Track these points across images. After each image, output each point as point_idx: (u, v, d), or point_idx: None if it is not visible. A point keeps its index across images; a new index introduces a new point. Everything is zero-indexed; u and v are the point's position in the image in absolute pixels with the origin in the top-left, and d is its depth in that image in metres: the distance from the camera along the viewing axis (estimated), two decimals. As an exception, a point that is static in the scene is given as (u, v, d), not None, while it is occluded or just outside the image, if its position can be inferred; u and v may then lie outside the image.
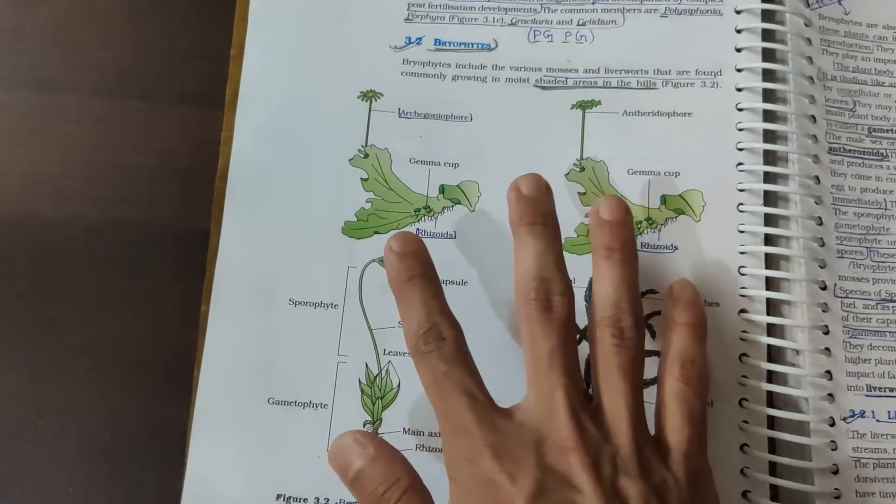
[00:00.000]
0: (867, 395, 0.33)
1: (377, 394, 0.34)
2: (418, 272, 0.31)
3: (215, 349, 0.35)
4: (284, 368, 0.35)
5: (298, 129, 0.37)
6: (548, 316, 0.30)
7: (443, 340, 0.30)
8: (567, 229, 0.36)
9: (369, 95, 0.38)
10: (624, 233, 0.32)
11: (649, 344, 0.34)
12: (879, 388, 0.33)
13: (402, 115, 0.38)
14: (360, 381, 0.34)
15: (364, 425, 0.34)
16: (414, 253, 0.32)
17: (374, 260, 0.36)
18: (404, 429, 0.34)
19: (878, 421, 0.33)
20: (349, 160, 0.37)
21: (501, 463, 0.27)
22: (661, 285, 0.35)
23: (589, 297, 0.35)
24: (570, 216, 0.36)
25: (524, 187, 0.32)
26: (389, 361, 0.35)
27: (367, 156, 0.37)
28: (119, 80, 0.38)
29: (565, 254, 0.35)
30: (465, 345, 0.31)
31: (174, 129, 0.38)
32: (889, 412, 0.33)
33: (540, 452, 0.27)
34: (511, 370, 0.34)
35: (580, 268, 0.35)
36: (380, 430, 0.34)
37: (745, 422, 0.33)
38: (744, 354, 0.34)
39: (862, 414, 0.33)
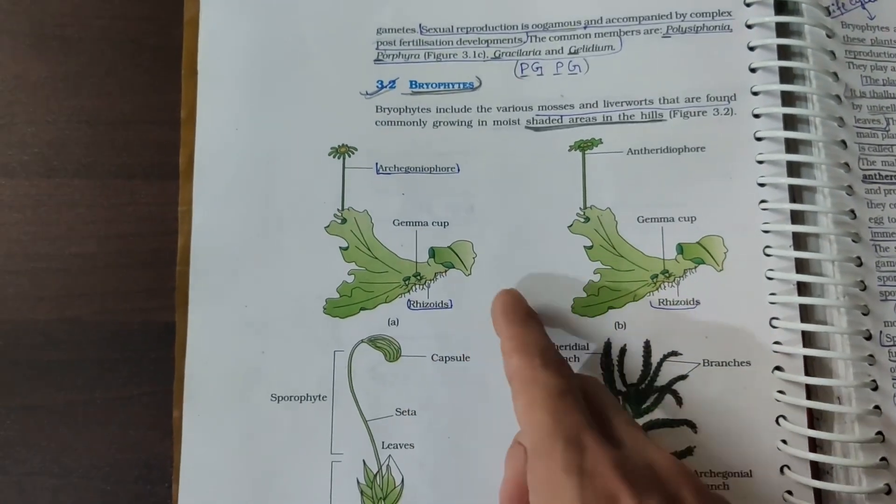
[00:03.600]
0: (924, 455, 0.30)
1: (379, 494, 0.31)
2: (530, 313, 0.31)
3: (193, 459, 0.31)
4: (273, 475, 0.31)
5: (265, 196, 0.33)
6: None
7: (563, 364, 0.28)
8: (575, 288, 0.32)
9: (342, 151, 0.34)
10: None
11: (676, 413, 0.31)
12: (936, 445, 0.30)
13: (381, 170, 0.33)
14: (358, 482, 0.31)
15: (367, 530, 0.31)
16: (521, 303, 0.31)
17: (362, 340, 0.32)
18: (412, 531, 0.31)
19: (937, 482, 0.30)
20: (325, 227, 0.33)
21: (626, 480, 0.24)
22: (685, 346, 0.31)
23: (604, 363, 0.31)
24: (577, 274, 0.32)
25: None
26: (390, 456, 0.31)
27: (344, 221, 0.33)
28: (57, 157, 0.34)
29: (576, 316, 0.32)
30: None
31: (125, 209, 0.34)
32: (948, 470, 0.30)
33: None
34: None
35: (592, 330, 0.32)
36: (385, 535, 0.31)
37: (790, 492, 0.30)
38: (782, 417, 0.30)
39: (919, 476, 0.30)
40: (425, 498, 0.31)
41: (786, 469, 0.30)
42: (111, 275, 0.33)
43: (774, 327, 0.31)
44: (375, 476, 0.31)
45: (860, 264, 0.31)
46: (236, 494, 0.31)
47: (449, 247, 0.33)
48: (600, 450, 0.25)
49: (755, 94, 0.32)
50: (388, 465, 0.31)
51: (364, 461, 0.31)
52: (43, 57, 0.34)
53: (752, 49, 0.33)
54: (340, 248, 0.33)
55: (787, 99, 0.32)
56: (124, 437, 0.32)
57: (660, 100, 0.33)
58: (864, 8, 0.33)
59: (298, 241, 0.33)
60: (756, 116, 0.32)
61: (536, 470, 0.25)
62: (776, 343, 0.31)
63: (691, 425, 0.31)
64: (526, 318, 0.30)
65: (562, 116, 0.33)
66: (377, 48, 0.34)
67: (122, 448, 0.32)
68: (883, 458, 0.29)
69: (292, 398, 0.32)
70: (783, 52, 0.32)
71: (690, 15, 0.33)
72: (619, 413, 0.27)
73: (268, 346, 0.32)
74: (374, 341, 0.32)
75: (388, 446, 0.31)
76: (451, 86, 0.34)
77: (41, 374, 0.32)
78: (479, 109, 0.34)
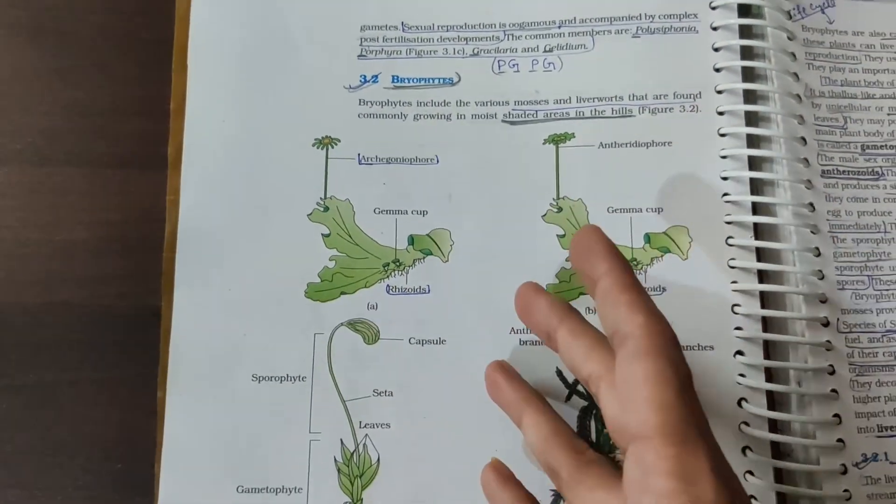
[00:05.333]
0: (878, 437, 0.31)
1: (355, 472, 0.32)
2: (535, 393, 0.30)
3: (175, 438, 0.32)
4: (252, 452, 0.32)
5: (250, 185, 0.34)
6: None
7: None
8: (548, 275, 0.33)
9: (325, 142, 0.35)
10: None
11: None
12: (891, 428, 0.31)
13: (363, 161, 0.35)
14: (335, 460, 0.32)
15: (343, 508, 0.32)
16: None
17: (342, 323, 0.33)
18: (388, 508, 0.31)
19: (891, 463, 0.31)
20: (308, 215, 0.34)
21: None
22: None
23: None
24: (550, 261, 0.33)
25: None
26: (366, 435, 0.32)
27: (327, 209, 0.34)
28: (49, 145, 0.35)
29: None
30: None
31: (115, 197, 0.35)
32: (902, 452, 0.31)
33: None
34: (494, 432, 0.32)
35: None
36: (361, 512, 0.32)
37: (750, 472, 0.31)
38: (743, 399, 0.32)
39: (875, 457, 0.31)
40: (400, 476, 0.32)
41: (747, 450, 0.31)
42: (100, 260, 0.34)
43: (736, 313, 0.32)
44: (352, 454, 0.32)
45: (818, 254, 0.32)
46: (217, 472, 0.32)
47: (427, 234, 0.34)
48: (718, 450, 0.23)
49: (719, 92, 0.34)
50: (364, 443, 0.32)
51: (342, 440, 0.32)
52: (39, 49, 0.36)
53: (716, 50, 0.34)
54: (322, 234, 0.34)
55: (750, 97, 0.34)
56: (110, 418, 0.33)
57: (629, 97, 0.34)
58: (823, 13, 0.35)
59: (282, 228, 0.34)
60: (720, 114, 0.34)
61: (674, 457, 0.22)
62: (737, 328, 0.32)
63: (657, 407, 0.32)
64: (533, 400, 0.30)
65: (537, 111, 0.35)
66: (361, 44, 0.36)
67: (107, 428, 0.33)
68: (839, 440, 0.31)
69: (273, 378, 0.33)
70: (746, 53, 0.34)
71: (659, 17, 0.35)
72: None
73: (250, 328, 0.33)
74: (353, 324, 0.33)
75: (365, 426, 0.32)
76: (431, 81, 0.35)
77: (29, 355, 0.33)
78: (458, 104, 0.35)
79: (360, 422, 0.32)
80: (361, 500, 0.32)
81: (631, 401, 0.23)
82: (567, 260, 0.33)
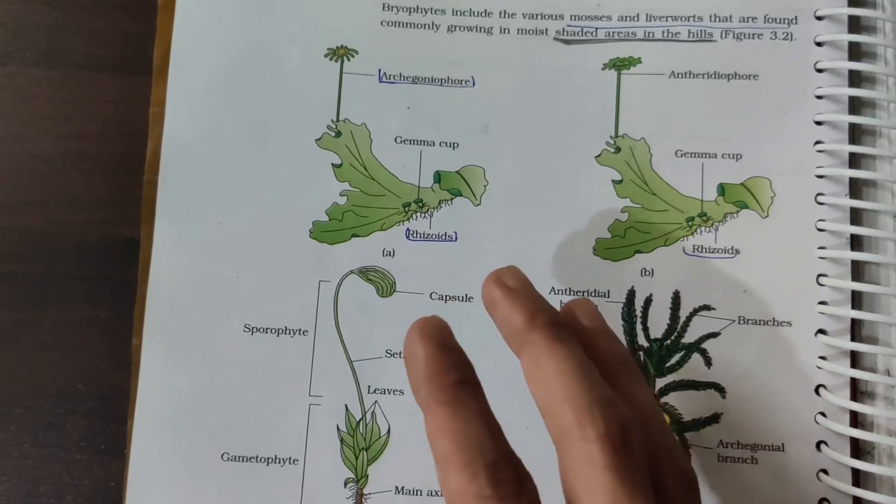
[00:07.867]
0: (977, 438, 0.26)
1: (361, 444, 0.27)
2: (469, 377, 0.21)
3: (152, 393, 0.28)
4: (241, 415, 0.28)
5: (249, 101, 0.29)
6: None
7: (521, 486, 0.19)
8: (600, 228, 0.28)
9: (340, 53, 0.29)
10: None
11: (703, 375, 0.27)
12: None
13: (384, 78, 0.29)
14: (338, 428, 0.27)
15: (346, 484, 0.27)
16: (457, 349, 0.22)
17: (352, 271, 0.28)
18: (396, 487, 0.27)
19: None
20: (316, 140, 0.29)
21: None
22: (719, 300, 0.28)
23: (626, 314, 0.28)
24: (602, 212, 0.28)
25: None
26: (376, 402, 0.28)
27: (339, 134, 0.29)
28: (14, 41, 0.30)
29: (597, 259, 0.28)
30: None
31: (89, 106, 0.30)
32: None
33: None
34: (524, 404, 0.27)
35: (615, 276, 0.28)
36: (365, 490, 0.27)
37: (825, 471, 0.27)
38: (821, 386, 0.27)
39: (970, 461, 0.26)
40: (413, 451, 0.27)
41: (822, 445, 0.27)
42: (69, 180, 0.30)
43: (822, 285, 0.27)
44: (359, 423, 0.27)
45: (926, 219, 0.27)
46: (199, 436, 0.27)
47: (457, 171, 0.29)
48: None
49: (819, 18, 0.29)
50: (373, 412, 0.28)
51: (347, 406, 0.28)
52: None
53: (820, -35, 0.29)
54: (333, 164, 0.29)
55: (855, 25, 0.28)
56: (76, 366, 0.28)
57: (711, 17, 0.29)
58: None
59: (285, 154, 0.29)
60: (818, 45, 0.29)
61: None
62: (822, 303, 0.27)
63: (720, 389, 0.27)
64: (458, 389, 0.21)
65: (597, 29, 0.29)
66: (388, -63, 0.30)
67: (72, 377, 0.28)
68: (932, 440, 0.26)
69: (269, 330, 0.28)
70: (856, -31, 0.28)
71: (753, -78, 0.29)
72: None
73: (244, 270, 0.28)
74: (365, 273, 0.28)
75: (374, 391, 0.28)
76: (471, -14, 0.30)
77: (-19, 290, 0.29)
78: (502, 15, 0.30)
79: (370, 386, 0.28)
80: (367, 476, 0.27)
81: None
82: (622, 210, 0.28)
